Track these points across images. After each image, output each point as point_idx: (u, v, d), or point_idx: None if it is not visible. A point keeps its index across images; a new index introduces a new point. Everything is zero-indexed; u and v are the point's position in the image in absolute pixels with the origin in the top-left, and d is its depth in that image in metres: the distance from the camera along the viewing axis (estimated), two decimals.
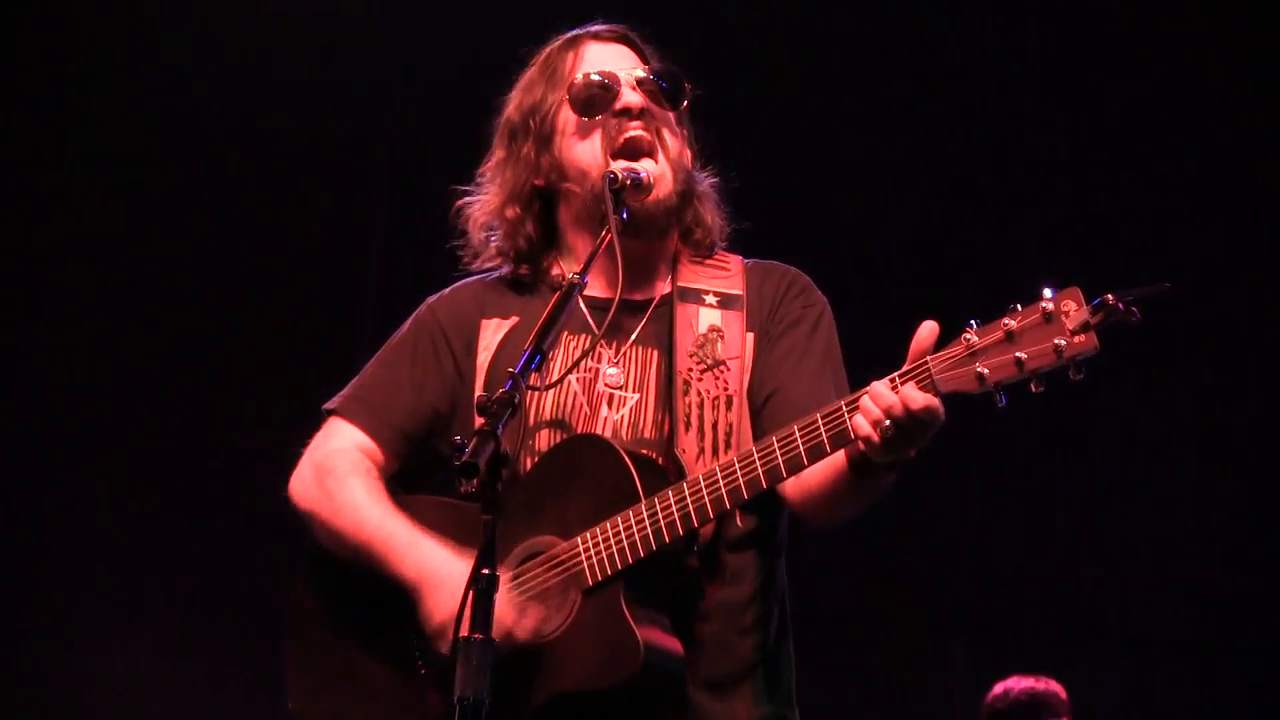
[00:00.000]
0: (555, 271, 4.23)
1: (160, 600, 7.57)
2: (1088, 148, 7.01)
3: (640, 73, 4.18)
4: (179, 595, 7.53)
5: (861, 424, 3.62)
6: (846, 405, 3.67)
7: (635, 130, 4.11)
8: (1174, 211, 6.92)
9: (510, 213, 4.22)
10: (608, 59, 4.20)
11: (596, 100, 4.13)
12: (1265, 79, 7.01)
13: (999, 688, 6.77)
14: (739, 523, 3.99)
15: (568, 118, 4.16)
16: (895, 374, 3.62)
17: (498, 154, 4.28)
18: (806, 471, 3.79)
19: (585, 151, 4.13)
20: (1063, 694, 6.76)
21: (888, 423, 3.58)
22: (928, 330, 3.62)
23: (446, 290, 4.34)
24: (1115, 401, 6.92)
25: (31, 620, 7.57)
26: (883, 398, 3.59)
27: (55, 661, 7.56)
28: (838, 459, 3.77)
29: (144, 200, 7.62)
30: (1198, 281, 6.63)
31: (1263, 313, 6.97)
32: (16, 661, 7.59)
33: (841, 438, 3.68)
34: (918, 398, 3.57)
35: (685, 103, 4.21)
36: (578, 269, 3.94)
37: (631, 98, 4.12)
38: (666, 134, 4.15)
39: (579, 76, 4.16)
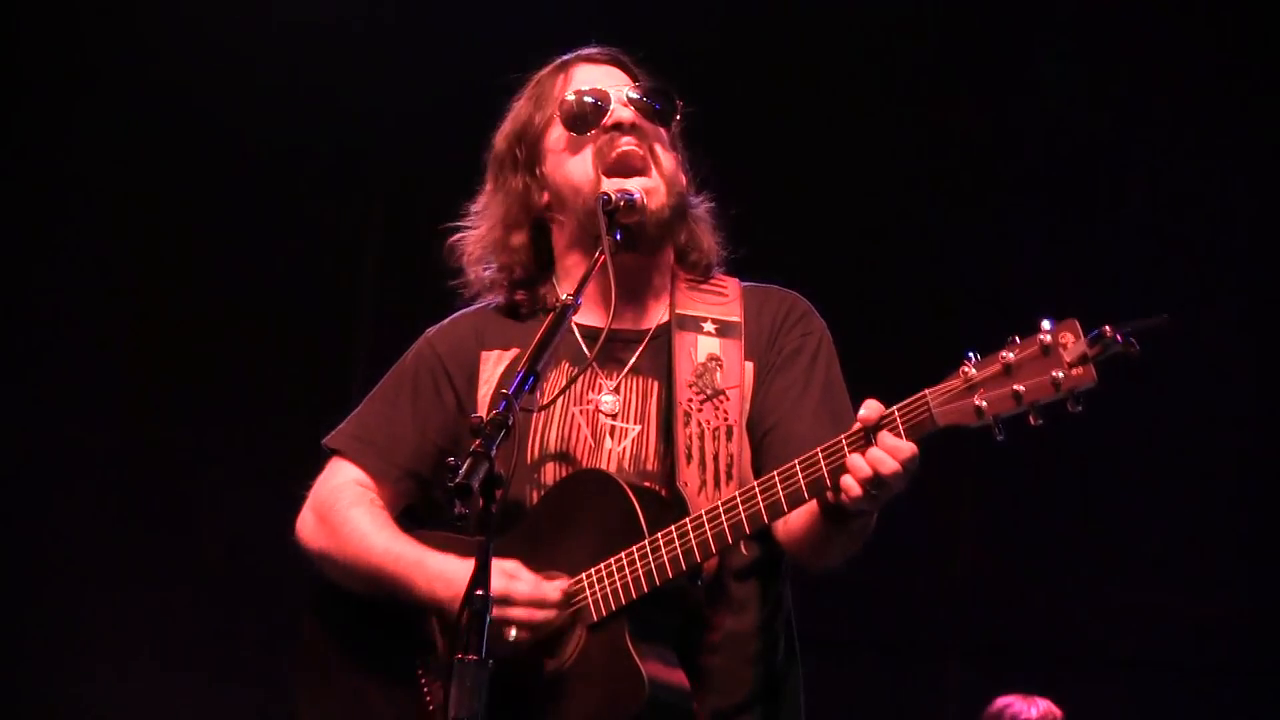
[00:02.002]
0: (552, 298, 4.21)
1: (159, 616, 7.55)
2: (1089, 173, 7.00)
3: (631, 91, 4.17)
4: (178, 612, 7.52)
5: (849, 484, 3.63)
6: (846, 439, 3.67)
7: (627, 145, 4.09)
8: (1176, 237, 6.91)
9: (503, 241, 4.21)
10: (598, 79, 4.20)
11: (587, 117, 4.12)
12: (1267, 100, 7.01)
13: (998, 703, 6.76)
14: (744, 551, 3.99)
15: (558, 136, 4.15)
16: (894, 409, 3.63)
17: (490, 182, 4.28)
18: (792, 515, 3.80)
19: (576, 168, 4.11)
20: (1058, 712, 6.75)
21: (868, 473, 3.61)
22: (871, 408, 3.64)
23: (445, 322, 4.34)
24: (1112, 423, 6.92)
25: (31, 639, 7.55)
26: (873, 457, 3.61)
27: (57, 675, 7.54)
28: (814, 506, 3.79)
29: (139, 221, 7.61)
30: (1193, 300, 6.64)
31: (1262, 331, 6.96)
32: (16, 676, 7.57)
33: (836, 476, 3.69)
34: (902, 448, 3.58)
35: (677, 118, 4.20)
36: (573, 292, 3.93)
37: (623, 113, 4.11)
38: (659, 150, 4.13)
39: (569, 94, 4.15)
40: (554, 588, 3.90)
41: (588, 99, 4.13)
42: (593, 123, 4.11)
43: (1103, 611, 7.35)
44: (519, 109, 4.25)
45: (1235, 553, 7.39)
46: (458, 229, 4.32)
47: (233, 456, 7.43)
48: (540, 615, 3.86)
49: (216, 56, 7.56)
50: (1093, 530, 7.34)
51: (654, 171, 4.10)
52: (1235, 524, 7.36)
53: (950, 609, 7.19)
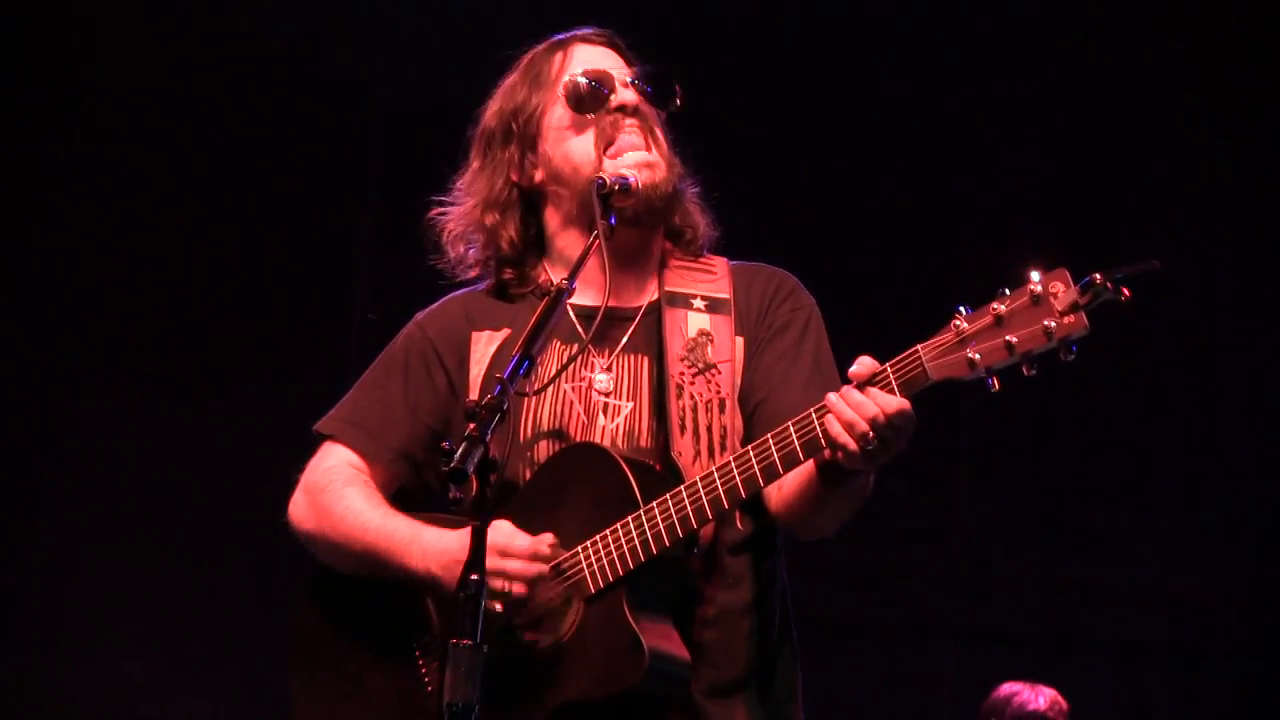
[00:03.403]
0: (543, 278, 4.22)
1: (155, 610, 7.53)
2: (1072, 127, 7.02)
3: (634, 74, 4.19)
4: (173, 605, 7.49)
5: (836, 429, 3.63)
6: (816, 411, 3.70)
7: (631, 126, 4.12)
8: (1162, 191, 6.93)
9: (489, 218, 4.21)
10: (598, 60, 4.21)
11: (591, 97, 4.13)
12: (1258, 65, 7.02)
13: (1003, 690, 6.74)
14: (739, 525, 3.98)
15: (559, 115, 4.16)
16: (886, 365, 3.64)
17: (477, 158, 4.28)
18: (787, 479, 3.81)
19: (578, 148, 4.13)
20: (1064, 704, 6.74)
21: (864, 427, 3.60)
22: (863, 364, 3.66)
23: (435, 305, 4.34)
24: (1108, 404, 6.94)
25: (23, 634, 7.53)
26: (853, 399, 3.62)
27: (47, 671, 7.52)
28: (810, 468, 3.79)
29: (131, 213, 7.59)
30: (1189, 277, 6.66)
31: (1260, 308, 6.98)
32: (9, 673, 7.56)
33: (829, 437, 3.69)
34: (890, 401, 3.59)
35: (676, 101, 4.22)
36: (565, 274, 3.93)
37: (627, 95, 4.13)
38: (658, 132, 4.16)
39: (572, 74, 4.16)
40: (546, 540, 3.91)
41: (592, 80, 4.15)
42: (597, 104, 4.13)
43: (1099, 594, 7.35)
44: (512, 86, 4.25)
45: (1234, 536, 7.39)
46: (445, 204, 4.33)
47: (225, 439, 7.40)
48: (536, 568, 3.87)
49: (212, 27, 7.55)
50: (1089, 512, 7.34)
51: (654, 150, 4.13)
52: (1234, 505, 7.35)
53: (946, 590, 7.18)
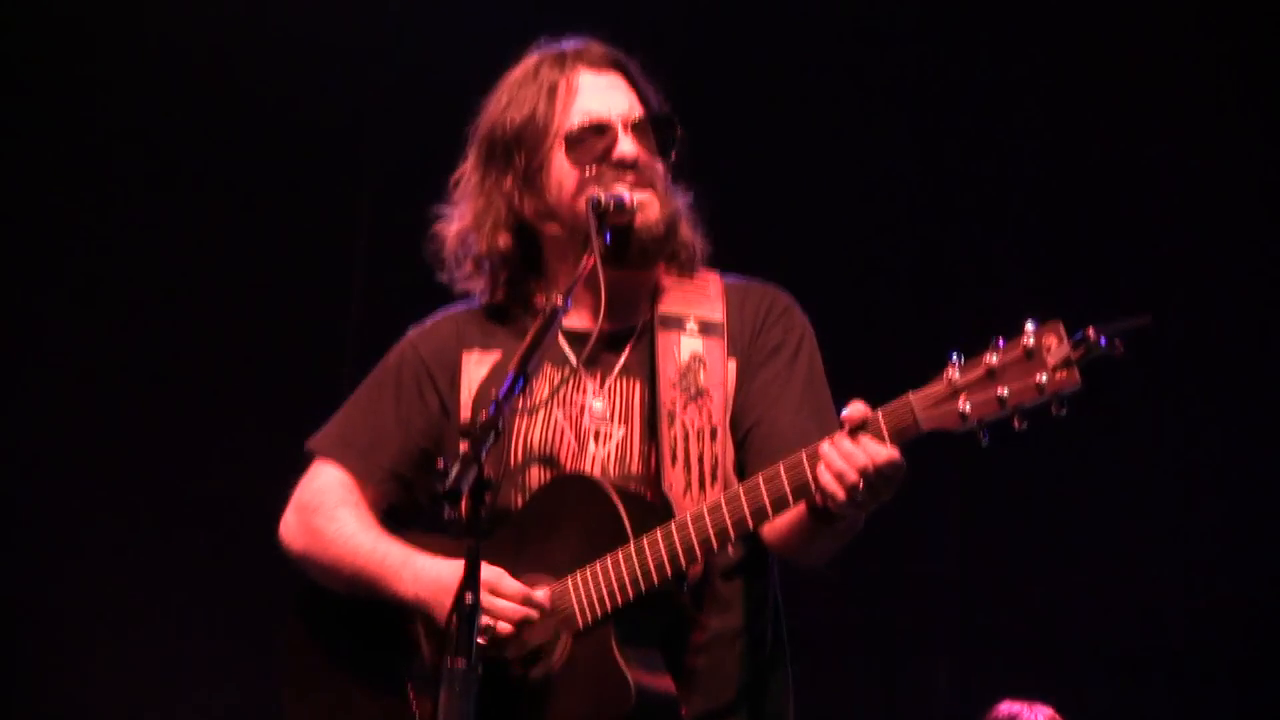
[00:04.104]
0: (538, 300, 4.20)
1: (146, 617, 7.53)
2: (1074, 173, 6.98)
3: (635, 118, 4.12)
4: (163, 616, 7.50)
5: (826, 479, 3.62)
6: (808, 456, 3.68)
7: (631, 180, 4.07)
8: (1162, 236, 6.90)
9: (489, 240, 4.18)
10: (602, 90, 4.15)
11: (592, 147, 4.08)
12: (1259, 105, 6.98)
13: (1001, 709, 6.73)
14: (730, 550, 3.97)
15: (561, 165, 4.10)
16: (878, 411, 3.62)
17: (475, 171, 4.23)
18: (781, 515, 3.79)
19: (577, 192, 4.08)
20: None
21: (854, 477, 3.59)
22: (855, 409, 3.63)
23: (427, 322, 4.33)
24: (1099, 419, 6.90)
25: (21, 647, 7.55)
26: (844, 449, 3.60)
27: (48, 683, 7.54)
28: (801, 505, 3.78)
29: (126, 222, 7.55)
30: (1185, 300, 6.62)
31: (1247, 333, 6.94)
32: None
33: (804, 490, 3.70)
34: (880, 452, 3.57)
35: (674, 153, 4.17)
36: (560, 295, 3.91)
37: (627, 148, 4.08)
38: (655, 176, 4.12)
39: (573, 120, 4.10)
40: (540, 593, 3.90)
41: (591, 126, 4.09)
42: (597, 154, 4.07)
43: (1092, 607, 7.32)
44: (516, 99, 4.17)
45: (1226, 546, 7.35)
46: (442, 216, 4.29)
47: (219, 456, 7.40)
48: (523, 612, 3.87)
49: (211, 57, 7.50)
50: (1081, 523, 7.30)
51: (650, 190, 4.09)
52: (1224, 516, 7.30)
53: (939, 606, 7.16)
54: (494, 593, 3.83)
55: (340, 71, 7.54)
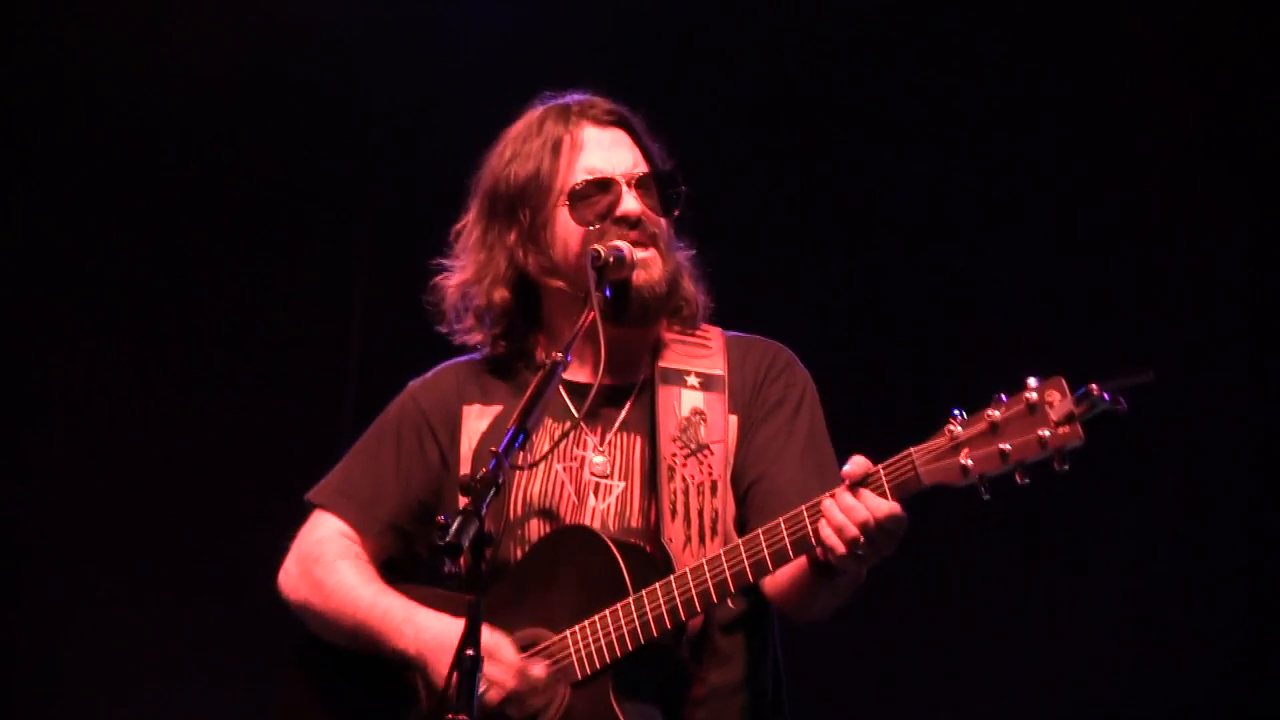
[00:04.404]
0: (539, 354, 4.19)
1: (150, 671, 7.49)
2: (1076, 228, 6.96)
3: (639, 175, 4.12)
4: (167, 666, 7.45)
5: (827, 533, 3.62)
6: (808, 510, 3.68)
7: (634, 237, 4.07)
8: (1163, 295, 6.87)
9: (489, 294, 4.17)
10: (605, 147, 4.15)
11: (595, 205, 4.08)
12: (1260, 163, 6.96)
13: None
14: (730, 604, 3.96)
15: (565, 223, 4.10)
16: (879, 467, 3.62)
17: (476, 225, 4.22)
18: (779, 570, 3.78)
19: (580, 250, 4.07)
20: None
21: (854, 532, 3.59)
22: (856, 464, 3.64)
23: (429, 375, 4.33)
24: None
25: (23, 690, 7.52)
26: (845, 503, 3.60)
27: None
28: (802, 560, 3.78)
29: (127, 268, 7.52)
30: (1173, 360, 6.59)
31: (1235, 394, 6.89)
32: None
33: (805, 543, 3.69)
34: (881, 506, 3.57)
35: (677, 211, 4.17)
36: (560, 349, 3.89)
37: (631, 205, 4.08)
38: (658, 233, 4.12)
39: (577, 177, 4.10)
40: (539, 665, 3.90)
41: (595, 183, 4.09)
42: (600, 212, 4.08)
43: (1093, 667, 7.26)
44: (520, 153, 4.17)
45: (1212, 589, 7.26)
46: (442, 263, 4.30)
47: (217, 506, 7.36)
48: (514, 683, 3.86)
49: (214, 94, 7.46)
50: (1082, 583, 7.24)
51: (652, 248, 4.10)
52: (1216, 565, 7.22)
53: (940, 657, 7.11)
54: (491, 657, 3.82)
55: (342, 119, 7.51)
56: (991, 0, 7.04)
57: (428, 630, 3.97)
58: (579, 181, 4.11)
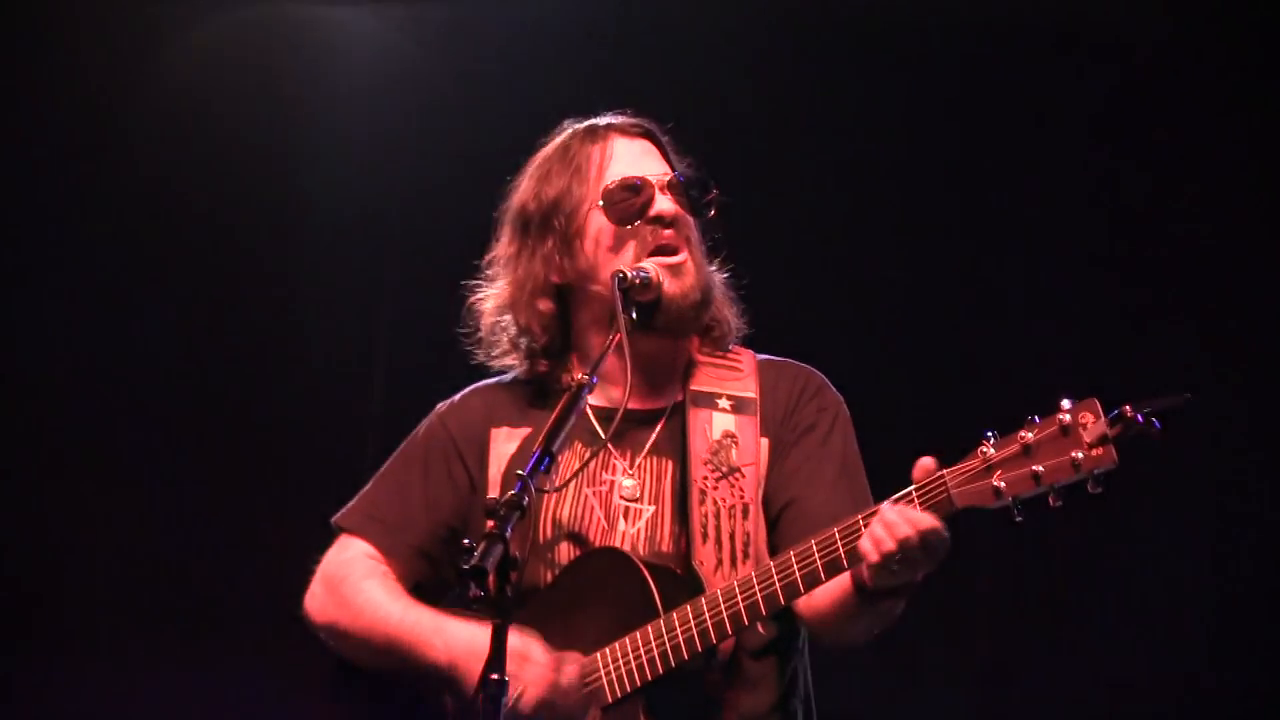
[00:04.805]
0: (567, 377, 4.16)
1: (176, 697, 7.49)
2: (1110, 247, 6.92)
3: (670, 176, 4.12)
4: (193, 691, 7.45)
5: (867, 547, 3.59)
6: (863, 518, 3.64)
7: (668, 236, 4.06)
8: (1200, 312, 6.82)
9: (530, 308, 4.15)
10: (636, 156, 4.15)
11: (630, 206, 4.06)
12: None
13: None
14: (760, 629, 3.94)
15: (600, 225, 4.09)
16: (910, 488, 3.59)
17: (510, 245, 4.21)
18: (818, 591, 3.76)
19: (617, 253, 4.06)
20: None
21: (892, 545, 3.55)
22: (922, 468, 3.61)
23: (457, 397, 4.30)
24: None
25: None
26: (888, 518, 3.57)
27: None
28: (844, 581, 3.74)
29: (150, 307, 7.52)
30: (1210, 382, 6.54)
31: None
32: None
33: (853, 557, 3.65)
34: (923, 519, 3.54)
35: (712, 210, 4.17)
36: (586, 372, 3.88)
37: (665, 205, 4.07)
38: (694, 239, 4.11)
39: (611, 179, 4.09)
40: (571, 666, 3.86)
41: (629, 185, 4.09)
42: (635, 214, 4.06)
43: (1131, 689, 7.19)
44: (550, 172, 4.16)
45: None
46: (471, 287, 4.28)
47: (241, 532, 7.35)
48: (550, 679, 3.83)
49: (232, 142, 7.48)
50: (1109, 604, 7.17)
51: (686, 253, 4.08)
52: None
53: (972, 687, 7.06)
54: (525, 661, 3.80)
55: (364, 153, 7.52)
56: (1043, 23, 7.02)
57: (458, 638, 3.94)
58: (611, 183, 4.09)
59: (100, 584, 7.37)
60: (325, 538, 4.26)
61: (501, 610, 3.37)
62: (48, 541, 7.42)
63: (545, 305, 4.15)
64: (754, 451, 4.08)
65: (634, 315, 3.96)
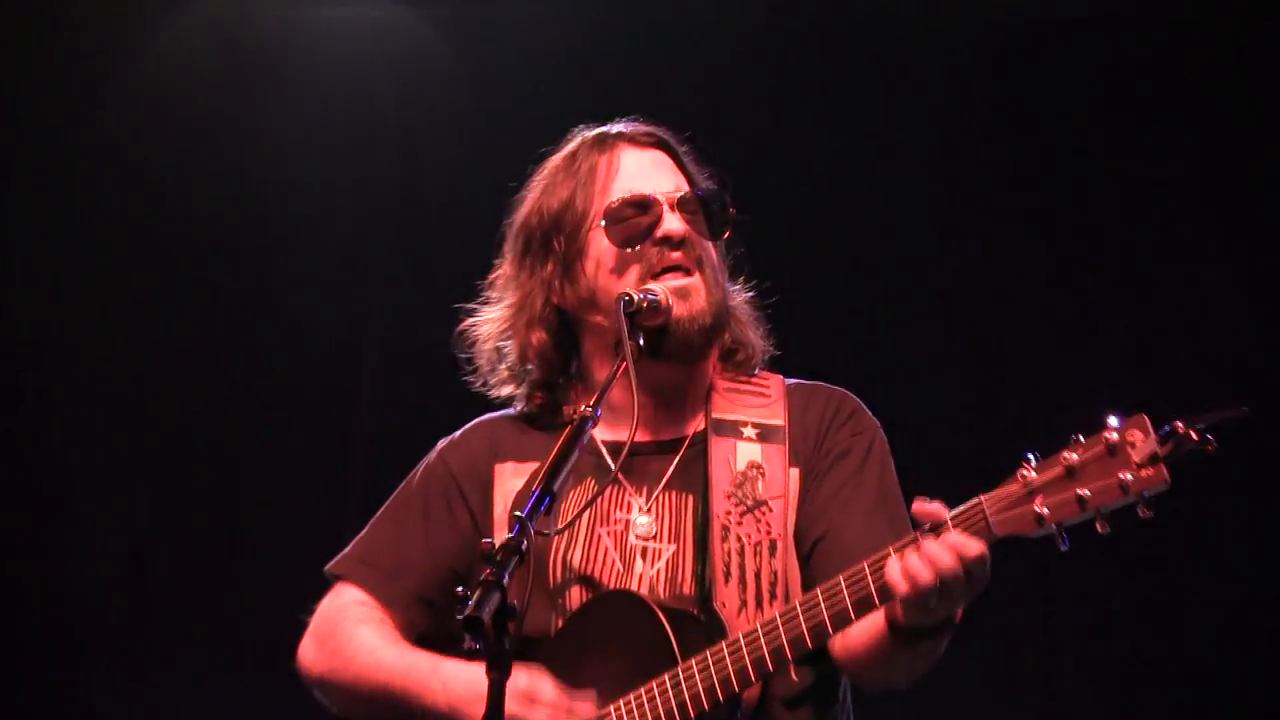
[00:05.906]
0: (571, 409, 3.90)
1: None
2: (1152, 261, 6.73)
3: (682, 193, 3.89)
4: None
5: (895, 578, 3.34)
6: (895, 550, 3.39)
7: (677, 257, 3.83)
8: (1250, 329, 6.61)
9: (530, 336, 3.94)
10: (645, 169, 3.92)
11: (635, 226, 3.84)
12: None
13: None
14: (794, 676, 3.70)
15: (602, 246, 3.86)
16: (948, 516, 3.35)
17: (512, 265, 4.01)
18: (852, 631, 3.52)
19: (620, 277, 3.84)
20: None
21: (930, 579, 3.31)
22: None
23: (458, 433, 4.10)
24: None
25: None
26: (929, 550, 3.33)
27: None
28: (878, 621, 3.50)
29: (139, 334, 7.43)
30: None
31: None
32: None
33: (884, 593, 3.41)
34: (972, 546, 3.31)
35: (728, 233, 3.94)
36: (589, 404, 3.62)
37: (673, 225, 3.84)
38: (705, 258, 3.87)
39: (614, 197, 3.87)
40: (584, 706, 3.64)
41: (634, 202, 3.86)
42: (640, 236, 3.84)
43: None
44: (554, 184, 3.96)
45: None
46: (468, 310, 4.08)
47: (230, 575, 7.20)
48: None
49: (227, 168, 7.42)
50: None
51: (698, 274, 3.84)
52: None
53: None
54: (532, 700, 3.58)
55: (352, 179, 7.43)
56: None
57: (457, 681, 3.71)
58: (614, 201, 3.86)
59: (86, 632, 7.29)
60: (320, 588, 4.07)
61: (497, 664, 3.14)
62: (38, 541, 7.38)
63: (542, 335, 3.94)
64: (782, 483, 3.83)
65: (641, 341, 3.72)
